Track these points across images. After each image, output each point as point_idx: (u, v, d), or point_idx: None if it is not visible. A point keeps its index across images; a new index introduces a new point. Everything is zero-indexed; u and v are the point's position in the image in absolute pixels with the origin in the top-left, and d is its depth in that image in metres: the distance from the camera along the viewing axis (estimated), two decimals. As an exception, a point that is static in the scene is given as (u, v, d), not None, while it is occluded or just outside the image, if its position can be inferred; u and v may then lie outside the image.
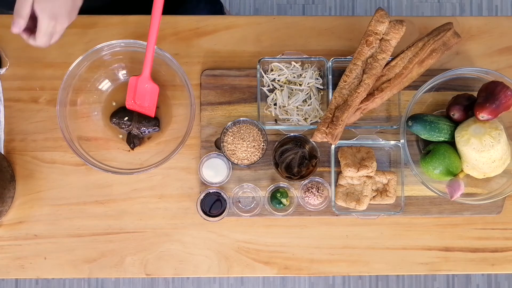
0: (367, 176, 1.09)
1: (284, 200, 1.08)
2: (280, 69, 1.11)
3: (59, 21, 0.92)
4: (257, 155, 1.08)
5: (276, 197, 1.08)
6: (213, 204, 1.07)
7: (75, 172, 1.12)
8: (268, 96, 1.12)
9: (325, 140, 1.05)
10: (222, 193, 1.07)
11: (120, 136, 1.11)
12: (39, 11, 0.90)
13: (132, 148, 1.10)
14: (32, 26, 0.94)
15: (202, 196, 1.07)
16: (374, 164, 1.09)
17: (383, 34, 1.05)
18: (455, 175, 1.06)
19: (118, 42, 1.06)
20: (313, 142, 1.08)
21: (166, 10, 1.03)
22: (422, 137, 1.08)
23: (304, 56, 1.11)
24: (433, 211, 1.12)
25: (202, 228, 1.12)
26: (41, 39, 0.93)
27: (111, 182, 1.12)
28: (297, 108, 1.10)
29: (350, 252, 1.12)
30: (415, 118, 1.06)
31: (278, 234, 1.12)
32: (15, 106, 1.13)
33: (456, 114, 1.07)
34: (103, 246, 1.12)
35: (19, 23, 0.91)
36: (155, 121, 1.10)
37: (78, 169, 1.12)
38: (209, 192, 1.07)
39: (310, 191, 1.09)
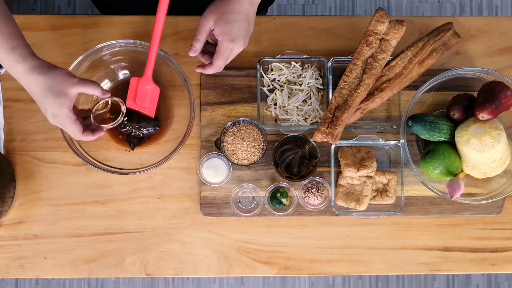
0: (367, 176, 1.09)
1: (284, 200, 1.08)
2: (280, 69, 1.11)
3: (236, 43, 0.95)
4: (257, 155, 1.08)
5: (276, 197, 1.08)
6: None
7: (75, 172, 1.12)
8: (268, 96, 1.12)
9: (325, 140, 1.05)
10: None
11: (120, 136, 1.11)
12: (219, 34, 0.94)
13: (132, 148, 1.10)
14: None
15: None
16: (374, 164, 1.09)
17: (383, 34, 1.05)
18: (455, 175, 1.06)
19: (118, 42, 1.06)
20: (313, 142, 1.08)
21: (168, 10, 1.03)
22: (422, 137, 1.08)
23: (304, 56, 1.11)
24: (433, 211, 1.12)
25: (202, 228, 1.12)
26: (219, 60, 0.98)
27: (111, 182, 1.12)
28: (297, 108, 1.10)
29: (350, 252, 1.12)
30: (415, 118, 1.06)
31: (278, 234, 1.12)
32: (15, 106, 1.13)
33: (456, 114, 1.07)
34: (103, 246, 1.12)
35: (195, 47, 0.98)
36: (155, 121, 1.10)
37: (78, 169, 1.12)
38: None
39: (310, 191, 1.09)
